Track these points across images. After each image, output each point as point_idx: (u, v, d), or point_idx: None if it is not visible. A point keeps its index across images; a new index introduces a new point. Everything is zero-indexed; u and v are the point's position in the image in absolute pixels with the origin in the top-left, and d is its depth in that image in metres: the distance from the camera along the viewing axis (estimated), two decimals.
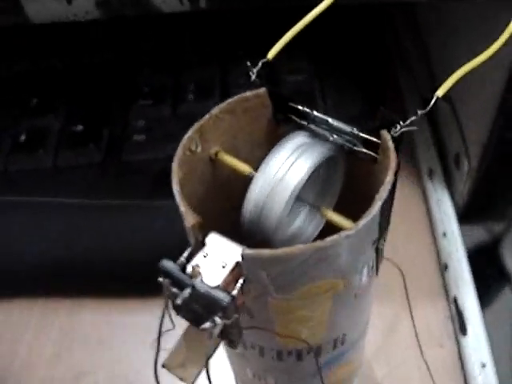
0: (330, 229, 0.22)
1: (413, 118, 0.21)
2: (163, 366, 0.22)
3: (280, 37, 0.25)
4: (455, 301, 0.37)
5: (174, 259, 0.20)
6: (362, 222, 0.19)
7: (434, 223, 0.40)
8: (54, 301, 0.39)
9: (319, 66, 0.44)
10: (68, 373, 0.36)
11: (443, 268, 0.38)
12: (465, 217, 0.41)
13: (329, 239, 0.18)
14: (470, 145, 0.39)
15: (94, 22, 0.43)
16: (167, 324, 0.22)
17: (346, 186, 0.24)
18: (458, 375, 0.34)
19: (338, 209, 0.23)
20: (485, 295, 0.38)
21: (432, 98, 0.21)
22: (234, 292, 0.19)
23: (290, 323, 0.22)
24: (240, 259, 0.19)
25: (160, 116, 0.41)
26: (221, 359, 0.28)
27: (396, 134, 0.21)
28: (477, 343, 0.35)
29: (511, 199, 0.40)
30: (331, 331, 0.24)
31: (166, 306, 0.20)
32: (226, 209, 0.24)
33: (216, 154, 0.23)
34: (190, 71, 0.44)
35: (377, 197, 0.19)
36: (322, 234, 0.23)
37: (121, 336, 0.37)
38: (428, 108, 0.21)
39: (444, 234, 0.39)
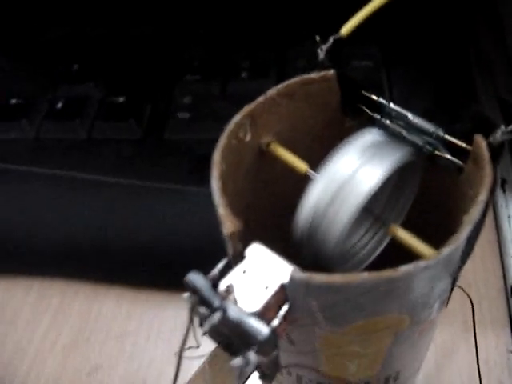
0: (392, 247, 0.18)
1: None
2: None
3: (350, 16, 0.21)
4: None
5: (206, 265, 0.16)
6: (446, 250, 0.15)
7: (502, 241, 0.36)
8: (75, 285, 0.36)
9: (389, 54, 0.39)
10: (82, 365, 0.33)
11: (510, 293, 0.34)
12: None
13: (402, 268, 0.14)
14: None
15: None
16: (191, 340, 0.18)
17: (419, 197, 0.20)
18: None
19: (407, 225, 0.19)
20: None
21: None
22: (275, 322, 0.15)
23: (336, 357, 0.19)
24: (286, 281, 0.15)
25: (208, 93, 0.38)
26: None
27: (496, 142, 0.17)
28: None
29: None
30: (384, 369, 0.20)
31: (189, 326, 0.16)
32: (274, 212, 0.20)
33: (268, 145, 0.19)
34: (246, 48, 0.40)
35: (465, 219, 0.15)
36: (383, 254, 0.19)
37: (143, 331, 0.34)
38: None
39: None
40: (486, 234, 0.36)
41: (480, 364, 0.31)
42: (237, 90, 0.37)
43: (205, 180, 0.18)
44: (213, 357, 0.18)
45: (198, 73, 0.39)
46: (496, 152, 0.17)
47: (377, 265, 0.18)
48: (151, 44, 0.41)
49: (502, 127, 0.17)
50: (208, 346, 0.18)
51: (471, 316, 0.29)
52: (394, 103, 0.34)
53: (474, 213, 0.15)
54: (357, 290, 0.15)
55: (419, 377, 0.29)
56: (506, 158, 0.39)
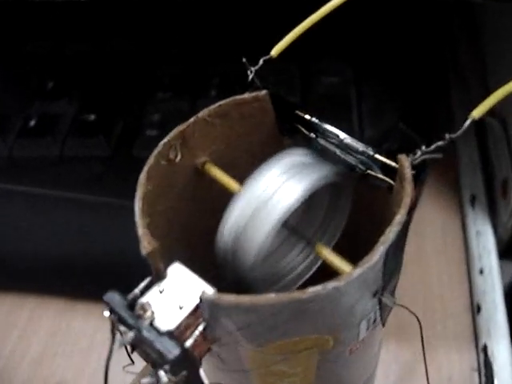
0: (329, 270, 0.18)
1: (439, 143, 0.17)
2: None
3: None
4: (485, 349, 0.32)
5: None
6: (357, 271, 0.15)
7: (470, 258, 0.36)
8: (46, 301, 0.36)
9: (359, 70, 0.39)
10: (48, 379, 0.33)
11: (475, 310, 0.34)
12: (507, 253, 0.36)
13: (310, 290, 0.14)
14: None
15: (118, 8, 0.40)
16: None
17: (355, 218, 0.20)
18: None
19: (344, 247, 0.19)
20: None
21: (466, 119, 0.17)
22: (189, 342, 0.15)
23: (267, 376, 0.19)
24: (200, 301, 0.15)
25: (177, 111, 0.38)
26: None
27: (416, 162, 0.17)
28: None
29: None
30: None
31: (112, 344, 0.17)
32: (213, 231, 0.20)
33: (203, 165, 0.20)
34: (217, 65, 0.40)
35: (381, 239, 0.15)
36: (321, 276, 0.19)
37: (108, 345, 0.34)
38: (459, 132, 0.17)
39: (481, 271, 0.35)
40: (454, 251, 0.36)
41: (443, 381, 0.31)
42: (205, 107, 0.38)
43: None
44: (142, 373, 0.18)
45: (168, 90, 0.39)
46: (418, 171, 0.17)
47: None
48: (125, 61, 0.42)
49: (423, 147, 0.17)
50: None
51: (426, 334, 0.28)
52: (357, 118, 0.34)
53: (389, 234, 0.15)
54: (266, 311, 0.15)
55: None
56: (477, 174, 0.39)
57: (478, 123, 0.42)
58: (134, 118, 0.38)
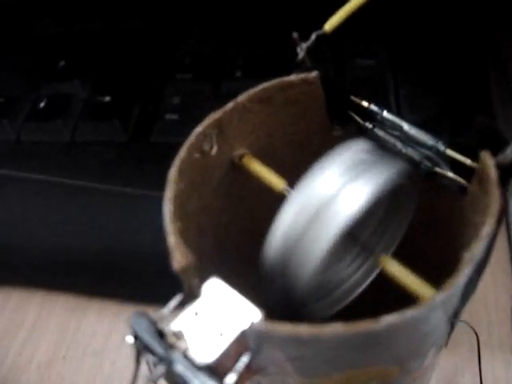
0: (384, 281, 0.15)
1: None
2: None
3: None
4: None
5: None
6: (440, 296, 0.12)
7: None
8: (54, 298, 0.34)
9: (396, 52, 0.37)
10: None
11: None
12: None
13: (384, 320, 0.12)
14: None
15: None
16: None
17: (417, 223, 0.17)
18: None
19: (403, 255, 0.16)
20: None
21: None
22: (231, 379, 0.12)
23: None
24: (247, 328, 0.12)
25: (199, 93, 0.35)
26: None
27: (506, 161, 0.14)
28: None
29: None
30: None
31: (135, 375, 0.14)
32: (251, 234, 0.17)
33: (241, 158, 0.17)
34: (241, 43, 0.37)
35: (466, 257, 0.13)
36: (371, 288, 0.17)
37: (124, 350, 0.32)
38: None
39: None
40: (498, 251, 0.34)
41: None
42: (231, 90, 0.35)
43: None
44: None
45: (189, 71, 0.36)
46: (506, 173, 0.14)
47: (363, 303, 0.15)
48: (141, 41, 0.39)
49: None
50: None
51: (471, 343, 0.26)
52: (394, 105, 0.31)
53: (477, 249, 0.13)
54: (327, 344, 0.12)
55: None
56: None
57: None
58: (152, 101, 0.36)
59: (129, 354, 0.31)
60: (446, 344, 0.17)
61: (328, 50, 0.36)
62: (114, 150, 0.35)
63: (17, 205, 0.34)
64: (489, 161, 0.14)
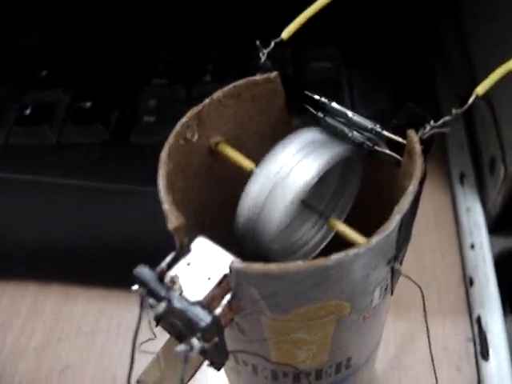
0: (339, 241, 0.19)
1: (446, 117, 0.18)
2: (138, 382, 0.19)
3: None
4: (478, 321, 0.33)
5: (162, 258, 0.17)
6: (375, 239, 0.16)
7: (461, 233, 0.37)
8: (47, 287, 0.37)
9: (349, 54, 0.40)
10: (54, 364, 0.34)
11: (468, 283, 0.35)
12: (496, 228, 0.37)
13: (333, 257, 0.15)
14: (507, 149, 0.36)
15: None
16: (148, 332, 0.19)
17: (363, 192, 0.21)
18: None
19: (353, 219, 0.20)
20: None
21: (470, 95, 0.18)
22: (218, 310, 0.16)
23: (285, 344, 0.20)
24: (228, 271, 0.16)
25: (173, 97, 0.38)
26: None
27: (425, 136, 0.18)
28: (498, 369, 0.31)
29: None
30: (334, 356, 0.21)
31: (140, 318, 0.17)
32: (226, 208, 0.21)
33: (216, 145, 0.20)
34: (209, 51, 0.41)
35: (396, 209, 0.16)
36: (331, 247, 0.20)
37: (113, 328, 0.35)
38: (465, 107, 0.18)
39: (472, 246, 0.36)
40: (445, 227, 0.38)
41: (439, 351, 0.32)
42: (201, 93, 0.38)
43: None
44: (166, 346, 0.19)
45: (163, 77, 0.39)
46: (427, 145, 0.18)
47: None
48: (118, 50, 0.42)
49: (432, 122, 0.18)
50: (164, 337, 0.19)
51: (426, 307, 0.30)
52: (349, 101, 0.35)
53: (403, 203, 0.16)
54: (293, 278, 0.16)
55: (377, 365, 0.30)
56: (465, 152, 0.41)
57: (464, 102, 0.43)
58: (130, 105, 0.39)
59: (117, 335, 0.34)
60: (392, 291, 0.21)
61: (288, 55, 0.39)
62: (97, 150, 0.37)
63: (9, 204, 0.37)
64: (414, 137, 0.18)
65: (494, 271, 0.35)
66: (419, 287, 0.27)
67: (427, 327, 0.26)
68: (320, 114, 0.20)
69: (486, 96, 0.39)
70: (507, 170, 0.35)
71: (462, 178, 0.39)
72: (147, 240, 0.35)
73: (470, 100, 0.18)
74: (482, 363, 0.32)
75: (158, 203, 0.34)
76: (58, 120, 0.39)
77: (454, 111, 0.18)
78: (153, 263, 0.18)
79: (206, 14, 0.43)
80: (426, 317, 0.28)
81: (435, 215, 0.38)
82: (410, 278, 0.25)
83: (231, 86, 0.20)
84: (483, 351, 0.32)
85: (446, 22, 0.48)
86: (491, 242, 0.36)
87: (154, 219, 0.34)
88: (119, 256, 0.36)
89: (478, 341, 0.33)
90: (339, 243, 0.20)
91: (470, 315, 0.34)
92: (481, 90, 0.18)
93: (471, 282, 0.35)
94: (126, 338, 0.34)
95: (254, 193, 0.18)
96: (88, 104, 0.39)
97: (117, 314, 0.35)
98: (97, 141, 0.38)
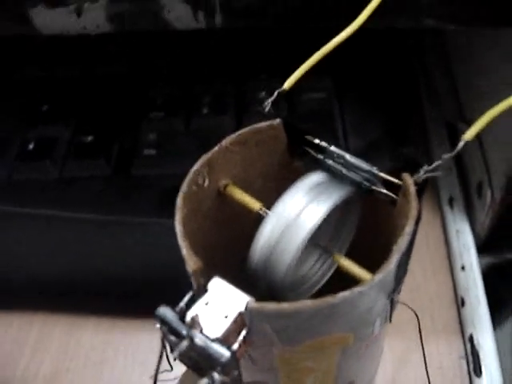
0: (339, 274, 0.21)
1: (438, 162, 0.19)
2: None
3: (301, 55, 0.24)
4: (471, 339, 0.35)
5: (176, 291, 0.19)
6: (377, 277, 0.17)
7: (452, 255, 0.39)
8: (54, 318, 0.38)
9: (340, 85, 0.42)
10: None
11: (460, 303, 0.37)
12: (485, 249, 0.39)
13: (340, 295, 0.17)
14: (493, 174, 0.37)
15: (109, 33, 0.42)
16: (164, 364, 0.21)
17: (362, 229, 0.23)
18: None
19: (354, 254, 0.22)
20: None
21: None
22: (235, 346, 0.17)
23: (293, 373, 0.21)
24: (243, 310, 0.18)
25: (172, 130, 0.40)
26: None
27: (419, 179, 0.19)
28: None
29: None
30: (338, 381, 0.22)
31: (161, 356, 0.19)
32: (234, 246, 0.22)
33: (225, 188, 0.22)
34: (206, 84, 0.42)
35: (394, 249, 0.18)
36: (332, 280, 0.22)
37: (121, 357, 0.36)
38: (454, 153, 0.19)
39: (462, 268, 0.37)
40: (437, 249, 0.39)
41: (434, 370, 0.34)
42: (199, 125, 0.40)
43: (171, 212, 0.20)
44: (184, 378, 0.20)
45: (161, 110, 0.41)
46: (420, 187, 0.20)
47: (329, 288, 0.20)
48: (117, 84, 0.43)
49: (425, 166, 0.20)
50: (180, 369, 0.20)
51: (417, 328, 0.31)
52: (344, 133, 0.37)
53: (401, 243, 0.18)
54: (303, 315, 0.17)
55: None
56: (454, 177, 0.42)
57: (452, 129, 0.45)
58: (130, 139, 0.40)
59: (124, 363, 0.35)
60: (391, 319, 0.22)
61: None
62: (99, 183, 0.39)
63: (13, 237, 0.38)
64: (409, 180, 0.20)
65: (484, 292, 0.36)
66: (414, 312, 0.29)
67: (423, 348, 0.28)
68: (320, 156, 0.22)
69: (471, 121, 0.41)
70: (493, 194, 0.37)
71: (451, 201, 0.41)
72: (150, 269, 0.36)
73: (459, 146, 0.19)
74: (476, 380, 0.34)
75: (160, 233, 0.36)
76: (59, 155, 0.40)
77: (444, 156, 0.19)
78: (159, 294, 0.19)
79: (201, 46, 0.45)
80: (421, 338, 0.30)
81: (426, 238, 0.40)
82: (406, 305, 0.26)
83: (237, 133, 0.21)
84: (476, 368, 0.34)
85: (433, 54, 0.50)
86: (480, 263, 0.38)
87: (156, 249, 0.36)
88: (123, 286, 0.37)
89: (470, 358, 0.34)
90: (338, 275, 0.22)
91: (463, 334, 0.36)
92: (468, 136, 0.19)
93: (463, 303, 0.36)
94: (134, 366, 0.35)
95: (266, 234, 0.19)
96: (89, 138, 0.40)
97: (123, 343, 0.37)
98: (99, 174, 0.39)
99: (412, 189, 0.19)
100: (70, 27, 0.27)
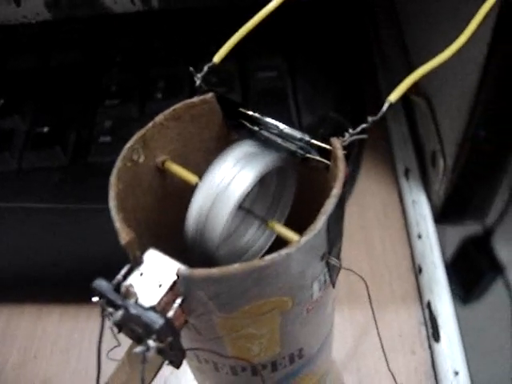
0: (283, 243, 0.21)
1: (363, 125, 0.20)
2: None
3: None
4: (429, 306, 0.36)
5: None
6: (304, 239, 0.18)
7: (409, 225, 0.39)
8: (19, 308, 0.38)
9: (292, 62, 0.42)
10: (32, 381, 0.35)
11: (417, 271, 0.37)
12: (441, 217, 0.40)
13: (267, 258, 0.17)
14: (445, 143, 0.38)
15: (60, 22, 0.42)
16: (114, 340, 0.21)
17: (300, 195, 0.23)
18: (431, 383, 0.33)
19: (295, 221, 0.22)
20: (474, 291, 0.37)
21: (384, 102, 0.20)
22: (170, 313, 0.18)
23: (238, 340, 0.21)
24: (176, 278, 0.18)
25: (127, 116, 0.40)
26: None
27: (345, 143, 0.20)
28: (450, 350, 0.34)
29: (487, 199, 0.39)
30: (285, 347, 0.23)
31: (102, 327, 0.19)
32: (178, 222, 0.23)
33: (163, 164, 0.22)
34: (159, 68, 0.43)
35: (321, 211, 0.18)
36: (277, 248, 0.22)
37: (86, 342, 0.37)
38: (379, 115, 0.20)
39: (419, 236, 0.38)
40: (394, 219, 0.40)
41: (394, 337, 0.35)
42: (154, 111, 0.40)
43: None
44: (129, 350, 0.21)
45: (116, 97, 0.41)
46: (348, 150, 0.20)
47: None
48: (71, 73, 0.44)
49: (350, 130, 0.20)
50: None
51: (375, 297, 0.32)
52: (297, 110, 0.37)
53: (328, 205, 0.18)
54: (234, 280, 0.18)
55: (336, 355, 0.32)
56: (409, 148, 0.43)
57: (406, 100, 0.46)
58: (86, 127, 0.40)
59: (90, 349, 0.36)
60: (334, 284, 0.23)
61: (234, 68, 0.41)
62: (58, 172, 0.39)
63: None
64: (337, 144, 0.20)
65: (440, 258, 0.37)
66: (363, 279, 0.29)
67: (373, 313, 0.28)
68: (255, 128, 0.22)
69: (423, 93, 0.41)
70: (446, 162, 0.37)
71: (406, 172, 0.42)
72: (111, 255, 0.37)
73: (384, 108, 0.20)
74: (435, 345, 0.34)
75: None
76: (17, 146, 0.40)
77: (369, 119, 0.20)
78: (115, 276, 0.19)
79: (154, 31, 0.45)
80: (371, 304, 0.30)
81: (383, 209, 0.40)
82: (352, 271, 0.27)
83: (171, 109, 0.22)
84: (435, 334, 0.35)
85: (385, 23, 0.51)
86: (437, 232, 0.39)
87: (116, 234, 0.36)
88: (86, 272, 0.37)
89: (429, 324, 0.35)
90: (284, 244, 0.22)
91: (421, 301, 0.36)
92: (393, 97, 0.20)
93: (420, 270, 0.37)
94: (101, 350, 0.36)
95: (197, 204, 0.20)
96: (46, 129, 0.40)
97: (88, 328, 0.37)
98: (57, 164, 0.39)
99: (339, 152, 0.20)
100: (10, 16, 0.27)
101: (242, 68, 0.42)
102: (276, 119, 0.22)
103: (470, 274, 0.40)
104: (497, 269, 0.41)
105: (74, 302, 0.39)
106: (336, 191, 0.19)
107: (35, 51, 0.45)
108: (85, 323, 0.38)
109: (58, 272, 0.38)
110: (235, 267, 0.17)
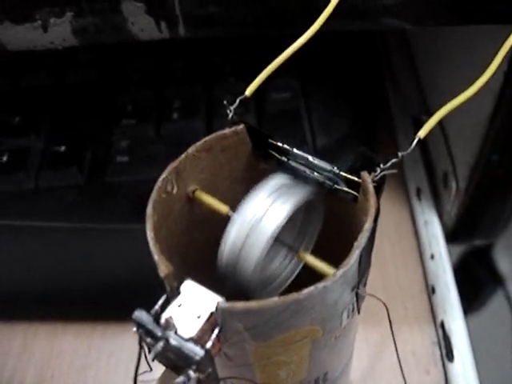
0: (308, 270, 0.22)
1: (394, 160, 0.20)
2: None
3: (267, 58, 0.24)
4: (442, 325, 0.36)
5: (153, 295, 0.20)
6: (339, 272, 0.18)
7: (421, 245, 0.40)
8: (35, 327, 0.39)
9: (307, 84, 0.43)
10: None
11: (431, 291, 0.38)
12: (452, 238, 0.40)
13: (304, 291, 0.18)
14: (458, 165, 0.39)
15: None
16: (144, 365, 0.21)
17: (326, 225, 0.24)
18: None
19: (319, 249, 0.23)
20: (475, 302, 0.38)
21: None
22: (209, 344, 0.18)
23: (267, 367, 0.22)
24: (214, 310, 0.18)
25: (144, 136, 0.40)
26: None
27: (376, 178, 0.20)
28: (463, 369, 0.34)
29: (498, 219, 0.40)
30: (311, 372, 0.23)
31: (139, 357, 0.20)
32: (205, 248, 0.23)
33: (193, 193, 0.23)
34: (175, 88, 0.43)
35: (355, 245, 0.19)
36: (301, 275, 0.23)
37: (103, 361, 0.37)
38: (409, 150, 0.21)
39: (432, 257, 0.39)
40: (406, 240, 0.41)
41: (407, 357, 0.35)
42: (170, 131, 0.40)
43: (144, 218, 0.21)
44: (163, 378, 0.21)
45: (132, 116, 0.41)
46: (379, 185, 0.21)
47: (298, 284, 0.21)
48: (87, 92, 0.44)
49: (381, 165, 0.21)
50: (160, 368, 0.21)
51: (393, 317, 0.32)
52: (311, 131, 0.38)
53: (361, 239, 0.19)
54: (271, 312, 0.18)
55: (352, 375, 0.33)
56: (420, 169, 0.44)
57: (417, 122, 0.46)
58: (102, 146, 0.41)
59: (107, 366, 0.36)
60: (359, 311, 0.24)
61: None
62: (74, 192, 0.39)
63: None
64: (367, 178, 0.21)
65: (453, 278, 0.38)
66: (383, 302, 0.30)
67: (393, 335, 0.29)
68: (284, 159, 0.23)
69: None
70: (458, 184, 0.38)
71: (418, 192, 0.42)
72: (126, 274, 0.37)
73: (414, 143, 0.20)
74: (448, 365, 0.35)
75: (134, 239, 0.36)
76: (33, 166, 0.40)
77: (399, 154, 0.20)
78: (133, 296, 0.20)
79: (170, 52, 0.45)
80: (391, 327, 0.31)
81: (396, 230, 0.41)
82: (374, 296, 0.27)
83: (203, 140, 0.22)
84: (448, 354, 0.35)
85: (397, 51, 0.52)
86: (449, 252, 0.39)
87: (132, 254, 0.36)
88: (102, 291, 0.38)
89: (443, 344, 0.36)
90: (308, 271, 0.23)
91: (435, 321, 0.37)
92: (422, 133, 0.21)
93: (433, 291, 0.38)
94: (117, 369, 0.36)
95: (232, 237, 0.20)
96: (62, 148, 0.41)
97: (105, 347, 0.37)
98: (73, 183, 0.39)
99: (370, 187, 0.20)
100: (36, 42, 0.28)
101: (257, 89, 0.42)
102: (290, 140, 0.23)
103: (471, 285, 0.41)
104: (497, 281, 0.42)
105: (88, 320, 0.39)
106: (368, 225, 0.19)
107: (52, 69, 0.45)
108: (101, 341, 0.38)
109: (72, 290, 0.39)
110: (274, 301, 0.18)
